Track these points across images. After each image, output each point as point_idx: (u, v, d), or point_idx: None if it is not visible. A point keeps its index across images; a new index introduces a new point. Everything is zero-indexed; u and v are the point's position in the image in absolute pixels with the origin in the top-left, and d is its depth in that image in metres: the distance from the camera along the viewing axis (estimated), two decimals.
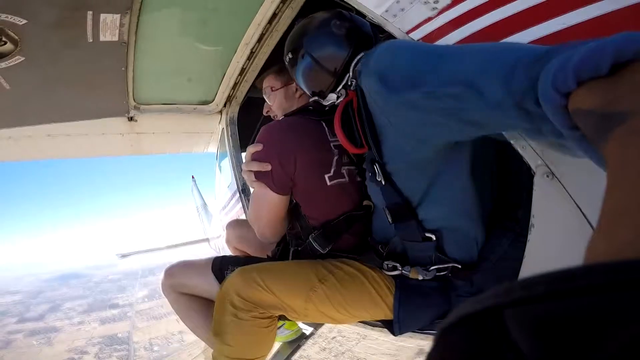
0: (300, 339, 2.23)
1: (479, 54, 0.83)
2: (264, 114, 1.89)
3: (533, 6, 0.95)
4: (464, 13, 1.10)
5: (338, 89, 1.38)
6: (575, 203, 0.96)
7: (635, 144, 0.42)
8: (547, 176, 1.00)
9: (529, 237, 1.09)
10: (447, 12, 1.14)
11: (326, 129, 1.58)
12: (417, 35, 1.23)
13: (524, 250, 1.12)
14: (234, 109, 3.10)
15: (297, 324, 2.23)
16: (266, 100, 1.84)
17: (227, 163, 3.35)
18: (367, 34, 1.36)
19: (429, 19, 1.18)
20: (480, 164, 1.21)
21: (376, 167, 1.23)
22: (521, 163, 1.09)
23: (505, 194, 1.34)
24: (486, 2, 1.04)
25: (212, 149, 3.99)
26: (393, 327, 1.42)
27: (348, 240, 1.58)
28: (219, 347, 1.46)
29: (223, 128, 3.23)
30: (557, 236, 1.05)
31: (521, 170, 1.17)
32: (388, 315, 1.43)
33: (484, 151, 1.19)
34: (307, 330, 2.29)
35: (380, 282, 1.42)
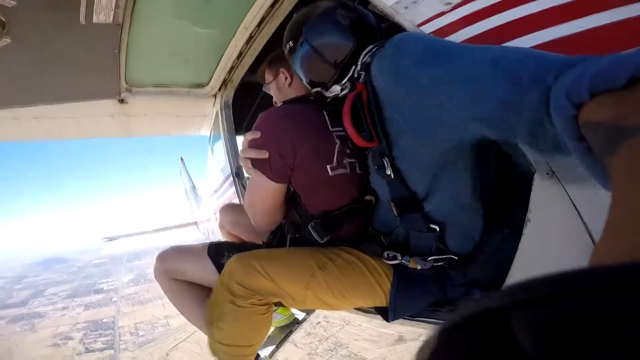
0: (292, 324, 2.32)
1: (499, 55, 0.84)
2: (274, 104, 1.86)
3: (549, 8, 0.95)
4: (478, 10, 1.09)
5: (343, 81, 1.35)
6: (572, 202, 0.98)
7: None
8: (547, 174, 1.02)
9: (524, 231, 1.11)
10: (461, 8, 1.12)
11: (327, 118, 1.56)
12: (428, 29, 1.21)
13: (517, 246, 1.15)
14: (229, 92, 3.06)
15: (290, 309, 2.29)
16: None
17: (220, 146, 3.33)
18: (372, 26, 1.34)
19: (442, 13, 1.16)
20: (483, 160, 1.23)
21: (385, 161, 1.23)
22: (521, 161, 1.11)
23: (503, 191, 1.37)
24: (501, 0, 1.04)
25: (205, 131, 3.96)
26: (388, 313, 1.45)
27: (347, 229, 1.58)
28: (214, 333, 1.47)
29: (217, 111, 3.20)
30: (551, 233, 1.07)
31: (520, 168, 1.20)
32: (384, 302, 1.45)
33: (487, 147, 1.21)
34: (300, 315, 2.37)
35: (380, 270, 1.44)
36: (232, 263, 1.44)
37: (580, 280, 0.22)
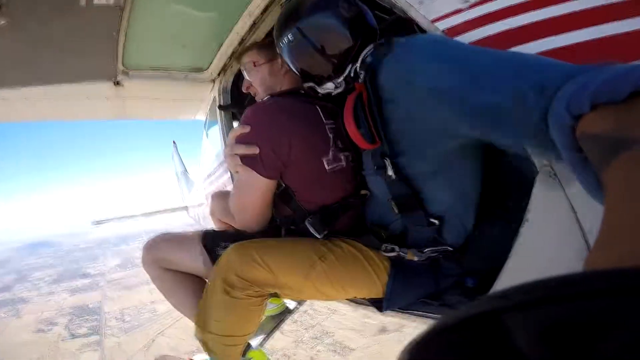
0: (283, 313, 2.31)
1: (504, 62, 0.86)
2: (244, 90, 1.81)
3: (570, 13, 0.94)
4: (497, 10, 1.07)
5: (339, 80, 1.33)
6: (571, 206, 0.99)
7: (637, 171, 0.45)
8: (550, 176, 1.02)
9: (521, 230, 1.12)
10: (479, 6, 1.10)
11: (320, 111, 1.55)
12: (442, 25, 1.19)
13: (511, 237, 1.15)
14: (229, 78, 3.04)
15: (281, 299, 2.27)
16: (246, 76, 1.75)
17: (216, 132, 3.32)
18: (371, 25, 1.31)
19: (459, 10, 1.14)
20: (475, 153, 1.26)
21: (387, 162, 1.23)
22: (512, 152, 1.13)
23: (495, 182, 1.38)
24: (523, 2, 1.02)
25: (200, 116, 3.95)
26: (383, 303, 1.48)
27: (342, 222, 1.57)
28: (207, 324, 1.46)
29: (215, 97, 3.17)
30: (548, 235, 1.09)
31: (511, 160, 1.23)
32: (380, 293, 1.47)
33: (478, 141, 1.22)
34: (291, 304, 2.37)
35: (378, 261, 1.45)
36: (230, 253, 1.42)
37: (577, 284, 0.23)
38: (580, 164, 0.60)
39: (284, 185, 1.53)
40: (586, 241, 0.98)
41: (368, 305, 1.61)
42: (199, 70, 3.04)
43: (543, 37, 0.98)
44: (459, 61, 0.95)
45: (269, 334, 2.21)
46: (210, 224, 2.41)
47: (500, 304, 0.24)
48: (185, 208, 7.70)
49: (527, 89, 0.74)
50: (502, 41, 1.06)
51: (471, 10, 1.12)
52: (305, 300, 2.27)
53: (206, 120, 3.77)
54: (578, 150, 0.59)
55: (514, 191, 1.27)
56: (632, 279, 0.22)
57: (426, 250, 1.36)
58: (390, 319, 1.69)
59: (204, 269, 1.62)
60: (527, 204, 1.10)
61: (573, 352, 0.21)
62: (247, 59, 1.74)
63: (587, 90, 0.56)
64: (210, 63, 2.95)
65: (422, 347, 0.26)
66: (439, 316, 1.41)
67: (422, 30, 1.27)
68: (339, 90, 1.37)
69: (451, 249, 1.36)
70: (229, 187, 3.17)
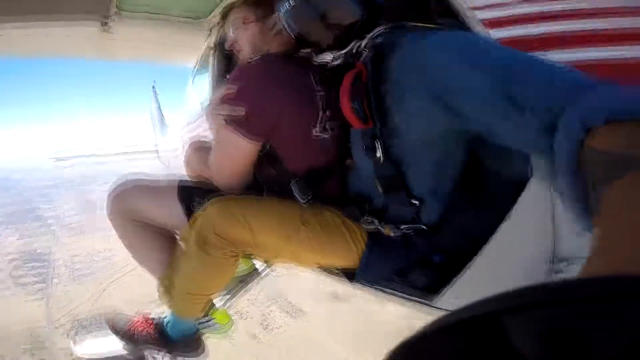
0: (252, 275, 2.32)
1: (519, 66, 0.85)
2: (227, 47, 1.70)
3: (617, 28, 0.93)
4: (545, 12, 1.03)
5: (339, 53, 1.30)
6: (552, 213, 1.03)
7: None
8: (543, 180, 1.02)
9: (502, 224, 1.13)
10: (525, 4, 1.07)
11: (312, 77, 1.50)
12: (479, 15, 1.12)
13: (481, 223, 1.21)
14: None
15: (252, 260, 2.20)
16: (231, 33, 1.62)
17: (203, 81, 3.27)
18: (379, 2, 1.25)
19: (503, 4, 1.09)
20: (462, 141, 1.27)
21: (377, 144, 1.22)
22: (492, 143, 1.24)
23: (471, 166, 1.39)
24: (574, 10, 0.99)
25: (189, 63, 3.89)
26: (356, 273, 1.47)
27: (326, 188, 1.54)
28: (174, 280, 1.46)
29: (210, 46, 3.07)
30: (525, 235, 1.12)
31: (486, 146, 1.27)
32: (354, 264, 1.46)
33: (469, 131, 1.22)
34: (260, 267, 2.36)
35: (357, 232, 1.44)
36: (210, 210, 1.36)
37: (576, 288, 0.23)
38: (576, 183, 0.59)
39: (268, 147, 1.47)
40: (553, 249, 1.04)
41: (338, 275, 1.61)
42: (198, 17, 2.95)
43: (584, 46, 0.97)
44: (479, 62, 0.92)
45: (235, 294, 2.20)
46: (182, 171, 2.25)
47: (500, 305, 0.24)
48: (156, 152, 7.53)
49: (537, 97, 0.74)
50: (534, 44, 1.04)
51: (517, 6, 1.07)
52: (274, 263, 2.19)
53: (195, 67, 3.70)
54: (578, 167, 0.58)
55: (487, 176, 1.37)
56: (628, 285, 0.23)
57: (403, 227, 1.36)
58: (344, 287, 1.74)
59: (179, 224, 1.55)
60: (501, 194, 1.15)
61: (572, 353, 0.21)
62: (235, 14, 1.60)
63: (601, 105, 0.56)
64: (211, 11, 2.84)
65: (418, 348, 0.26)
66: (402, 294, 1.52)
67: (447, 15, 1.23)
68: (337, 62, 1.33)
69: (425, 227, 1.36)
70: (208, 136, 3.12)
